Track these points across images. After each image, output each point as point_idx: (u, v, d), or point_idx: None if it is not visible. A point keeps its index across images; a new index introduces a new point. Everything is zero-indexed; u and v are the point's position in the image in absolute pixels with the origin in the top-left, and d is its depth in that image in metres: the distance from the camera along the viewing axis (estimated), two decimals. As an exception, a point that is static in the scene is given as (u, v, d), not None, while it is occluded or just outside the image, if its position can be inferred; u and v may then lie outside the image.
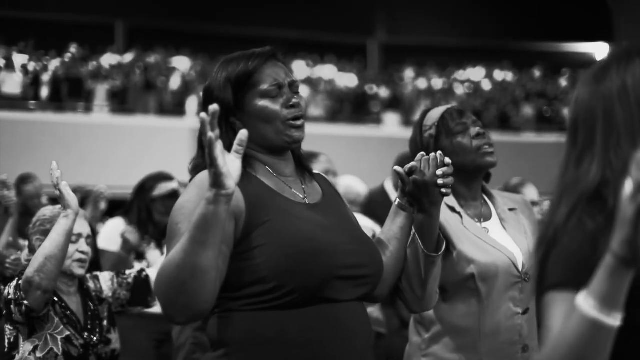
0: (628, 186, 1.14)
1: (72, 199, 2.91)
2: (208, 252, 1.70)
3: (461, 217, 2.63)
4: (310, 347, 1.86)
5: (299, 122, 2.04)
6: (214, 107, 1.63)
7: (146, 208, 4.69)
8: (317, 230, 1.93)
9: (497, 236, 2.64)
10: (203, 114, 1.64)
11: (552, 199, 1.41)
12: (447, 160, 2.11)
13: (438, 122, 2.68)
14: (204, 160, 1.95)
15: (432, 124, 2.69)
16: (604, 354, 1.21)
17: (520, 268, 2.58)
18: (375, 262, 2.04)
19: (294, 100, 2.04)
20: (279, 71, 2.07)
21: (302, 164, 2.17)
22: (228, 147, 1.73)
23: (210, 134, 1.62)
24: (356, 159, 14.73)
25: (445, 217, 2.56)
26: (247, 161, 1.99)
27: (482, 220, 2.68)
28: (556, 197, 1.39)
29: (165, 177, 4.84)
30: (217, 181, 1.66)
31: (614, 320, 1.19)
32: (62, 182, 2.89)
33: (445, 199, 2.59)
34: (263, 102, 2.02)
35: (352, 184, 5.77)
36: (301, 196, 2.05)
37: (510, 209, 2.75)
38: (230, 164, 1.69)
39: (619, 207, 1.17)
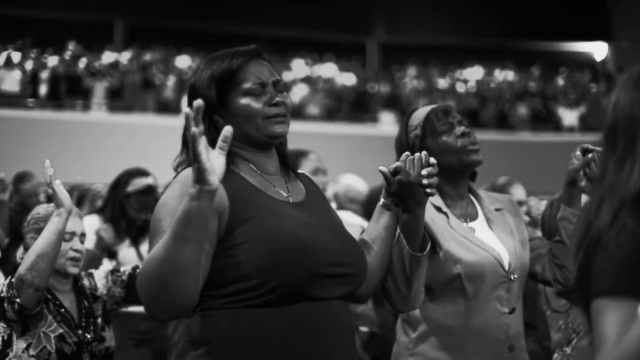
0: None
1: (65, 197, 2.91)
2: (191, 249, 1.69)
3: (447, 217, 2.63)
4: (293, 345, 1.86)
5: (279, 118, 2.04)
6: (198, 102, 1.63)
7: (120, 204, 4.59)
8: (300, 228, 1.93)
9: (484, 236, 2.64)
10: (187, 109, 1.64)
11: (589, 201, 1.42)
12: (432, 160, 2.09)
13: (423, 122, 2.68)
14: (188, 157, 1.94)
15: (418, 124, 2.69)
16: None
17: (506, 268, 2.59)
18: (359, 260, 2.03)
19: (277, 99, 2.04)
20: (262, 69, 2.06)
21: (287, 162, 2.16)
22: (211, 145, 1.72)
23: (194, 129, 1.62)
24: (354, 158, 14.75)
25: (432, 217, 2.57)
26: (231, 159, 1.99)
27: (468, 220, 2.68)
28: (596, 199, 1.40)
29: (140, 173, 4.74)
30: (200, 177, 1.65)
31: None
32: (56, 181, 2.89)
33: (432, 199, 2.59)
34: (245, 100, 2.02)
35: (353, 183, 5.78)
36: (285, 194, 2.04)
37: (497, 209, 2.75)
38: (214, 160, 1.68)
39: None
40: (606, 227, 1.35)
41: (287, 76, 19.62)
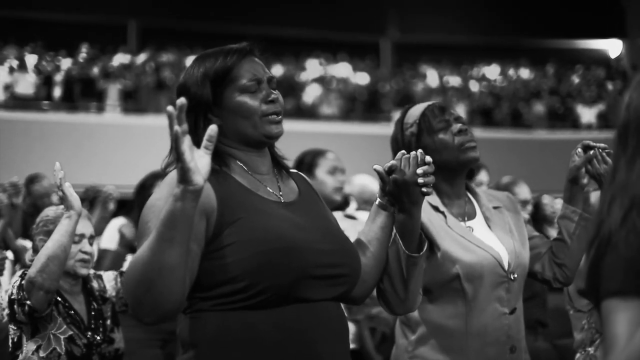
0: None
1: (75, 199, 2.92)
2: (176, 250, 1.66)
3: (445, 216, 2.59)
4: (283, 348, 1.82)
5: (277, 118, 2.01)
6: (181, 100, 1.59)
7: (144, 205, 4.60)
8: (290, 228, 1.89)
9: (482, 235, 2.60)
10: (170, 108, 1.59)
11: (601, 199, 1.41)
12: (428, 158, 2.05)
13: (419, 120, 2.64)
14: None
15: (414, 121, 2.65)
16: None
17: (506, 267, 2.55)
18: (352, 261, 1.99)
19: (272, 96, 2.00)
20: (256, 67, 2.03)
21: (279, 162, 2.13)
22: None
23: (176, 127, 1.59)
24: (368, 157, 14.71)
25: (429, 217, 2.54)
26: (222, 159, 1.97)
27: (466, 219, 2.64)
28: (608, 197, 1.38)
29: (165, 175, 4.75)
30: (184, 176, 1.62)
31: None
32: (66, 183, 2.90)
33: (429, 198, 2.56)
34: (242, 97, 1.98)
35: (367, 183, 5.75)
36: (276, 194, 2.00)
37: (495, 207, 2.71)
38: (199, 159, 1.65)
39: None
40: (616, 226, 1.33)
41: (301, 76, 19.65)
